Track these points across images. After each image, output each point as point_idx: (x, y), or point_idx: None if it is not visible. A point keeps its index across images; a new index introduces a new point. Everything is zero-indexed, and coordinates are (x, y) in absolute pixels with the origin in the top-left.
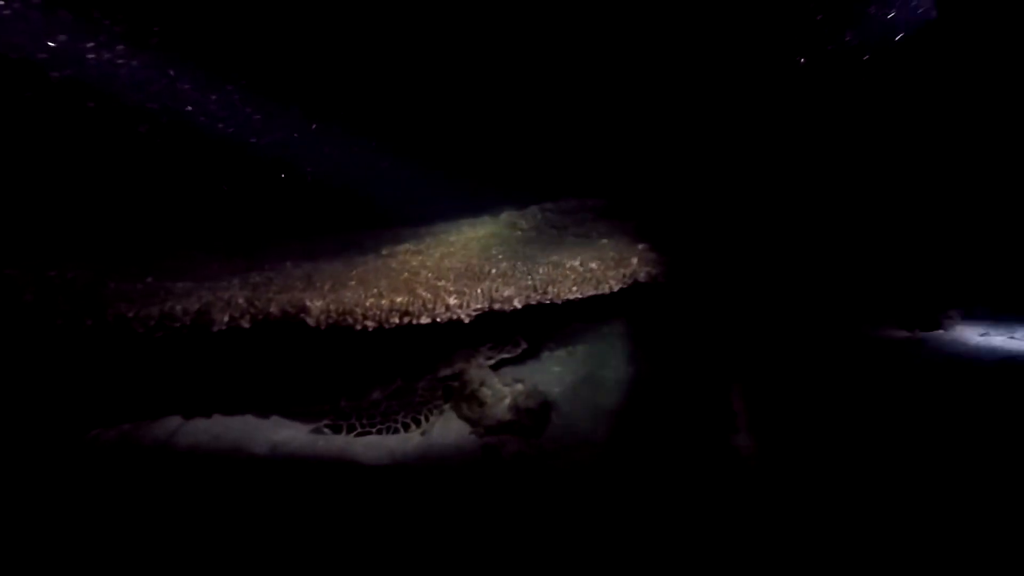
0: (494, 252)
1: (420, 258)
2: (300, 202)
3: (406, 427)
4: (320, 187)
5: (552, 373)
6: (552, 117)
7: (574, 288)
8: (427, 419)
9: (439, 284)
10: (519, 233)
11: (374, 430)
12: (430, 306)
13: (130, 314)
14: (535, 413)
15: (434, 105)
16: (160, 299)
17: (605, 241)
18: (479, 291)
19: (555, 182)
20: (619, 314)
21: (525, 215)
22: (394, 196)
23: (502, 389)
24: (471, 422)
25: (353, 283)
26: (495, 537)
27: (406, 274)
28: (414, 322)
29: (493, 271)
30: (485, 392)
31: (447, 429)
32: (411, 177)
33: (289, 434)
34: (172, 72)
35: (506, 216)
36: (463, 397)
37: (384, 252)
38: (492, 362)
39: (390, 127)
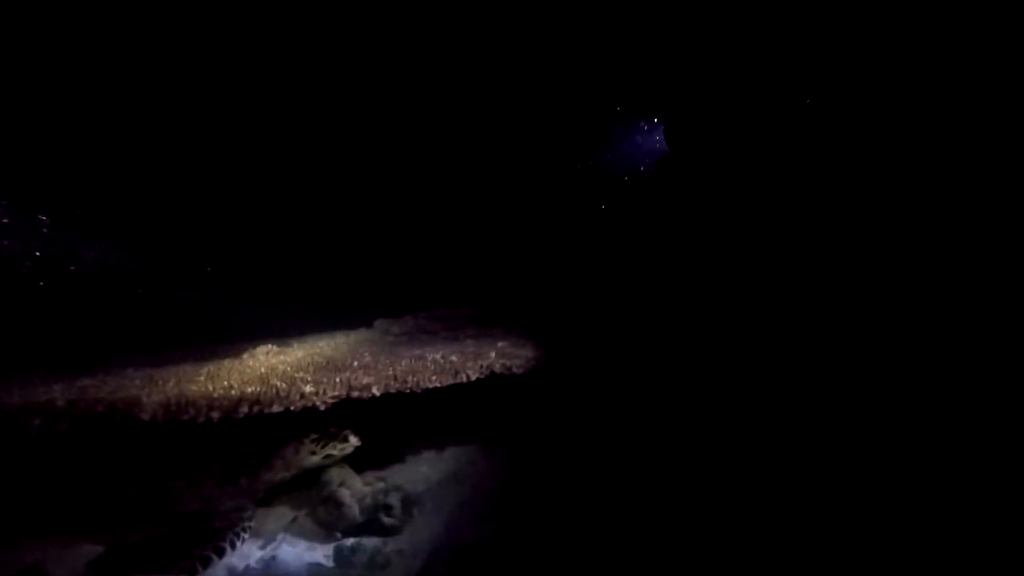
0: (361, 351)
1: (282, 357)
2: (151, 321)
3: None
4: (176, 308)
5: (419, 472)
6: (421, 236)
7: (434, 378)
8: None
9: (297, 375)
10: (391, 338)
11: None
12: (284, 394)
13: None
14: (395, 511)
15: (309, 223)
16: None
17: (470, 341)
18: (338, 380)
19: (429, 295)
20: (486, 412)
21: (399, 322)
22: (265, 314)
23: (363, 488)
24: (327, 526)
25: (202, 379)
26: None
27: (263, 370)
28: (265, 411)
29: (355, 363)
30: (343, 493)
31: (299, 534)
32: (285, 297)
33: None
34: None
35: (380, 323)
36: (320, 499)
37: (244, 356)
38: (318, 458)
39: (257, 244)
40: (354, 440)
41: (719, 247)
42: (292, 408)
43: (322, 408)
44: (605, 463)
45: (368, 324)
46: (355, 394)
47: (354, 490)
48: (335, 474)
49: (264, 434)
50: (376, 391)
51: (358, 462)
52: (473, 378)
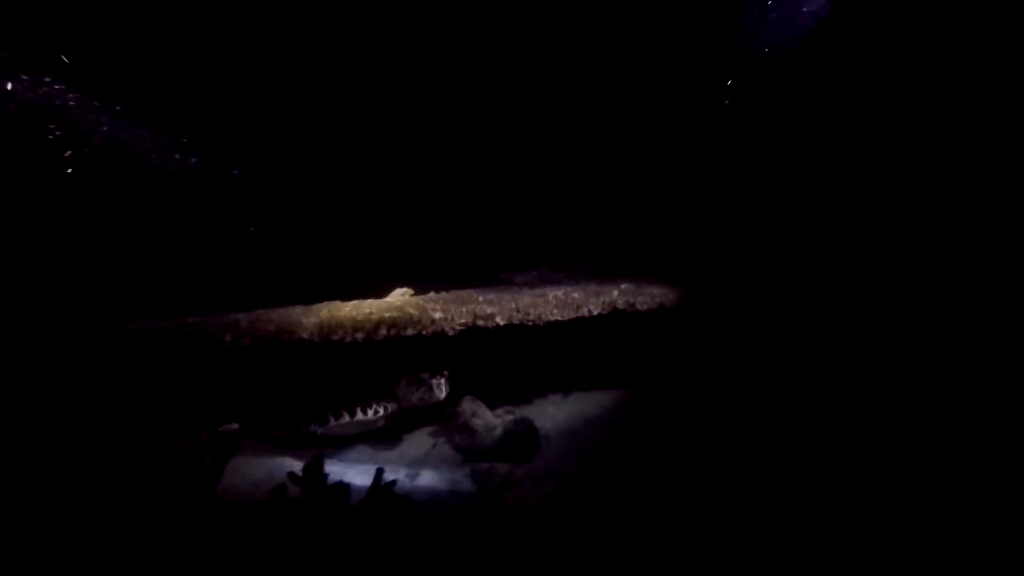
0: (487, 292)
1: (415, 298)
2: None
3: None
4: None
5: (546, 411)
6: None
7: (555, 311)
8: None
9: (427, 305)
10: (514, 287)
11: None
12: (416, 319)
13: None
14: (524, 439)
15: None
16: (171, 321)
17: (594, 284)
18: (464, 310)
19: (552, 252)
20: (612, 363)
21: (522, 273)
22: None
23: (493, 420)
24: (463, 451)
25: (348, 308)
26: (486, 555)
27: (399, 302)
28: (400, 334)
29: (480, 299)
30: (476, 422)
31: (439, 458)
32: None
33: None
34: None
35: (504, 276)
36: (455, 428)
37: (383, 296)
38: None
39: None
40: (438, 385)
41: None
42: (424, 332)
43: (451, 333)
44: (734, 412)
45: (493, 277)
46: (480, 323)
47: (485, 420)
48: (468, 406)
49: (398, 364)
50: (500, 320)
51: (488, 396)
52: (595, 312)
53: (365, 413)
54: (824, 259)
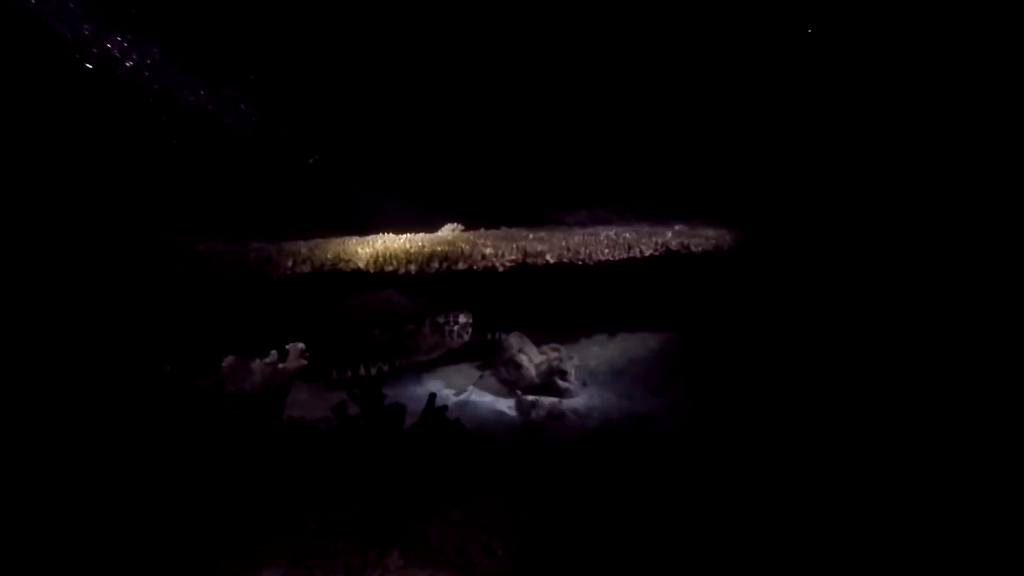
0: (536, 230)
1: (466, 233)
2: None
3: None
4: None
5: (592, 350)
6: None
7: (606, 251)
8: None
9: (478, 241)
10: (565, 226)
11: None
12: (467, 254)
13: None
14: (568, 376)
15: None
16: (238, 245)
17: (646, 224)
18: (514, 246)
19: (603, 192)
20: (661, 305)
21: (574, 213)
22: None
23: (539, 356)
24: (508, 384)
25: (402, 240)
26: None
27: (451, 236)
28: (452, 267)
29: (531, 236)
30: (522, 357)
31: (486, 389)
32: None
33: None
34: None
35: (554, 215)
36: (502, 362)
37: (436, 230)
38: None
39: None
40: (450, 332)
41: None
42: (475, 267)
43: (500, 269)
44: (785, 361)
45: (543, 216)
46: (530, 260)
47: (531, 356)
48: (514, 341)
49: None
50: (550, 258)
51: (535, 333)
52: (647, 253)
53: (368, 372)
54: (891, 202)
